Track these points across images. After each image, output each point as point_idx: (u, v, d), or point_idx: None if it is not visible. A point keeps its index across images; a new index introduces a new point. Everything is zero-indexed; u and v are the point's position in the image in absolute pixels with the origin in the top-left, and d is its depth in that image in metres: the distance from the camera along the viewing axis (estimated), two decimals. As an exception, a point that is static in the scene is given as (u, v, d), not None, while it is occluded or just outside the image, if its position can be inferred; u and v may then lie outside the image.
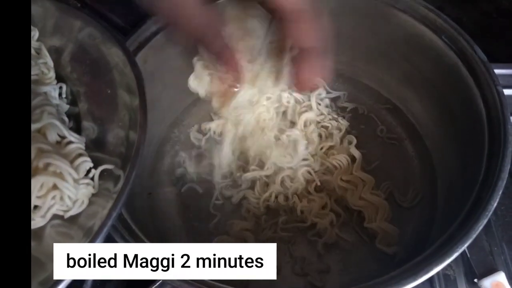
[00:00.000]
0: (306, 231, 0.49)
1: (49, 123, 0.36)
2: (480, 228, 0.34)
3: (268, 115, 0.51)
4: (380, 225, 0.47)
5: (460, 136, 0.48)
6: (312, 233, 0.49)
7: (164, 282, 0.35)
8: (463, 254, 0.49)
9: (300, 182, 0.50)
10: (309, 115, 0.55)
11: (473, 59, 0.46)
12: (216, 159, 0.52)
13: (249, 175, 0.51)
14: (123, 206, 0.33)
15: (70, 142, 0.36)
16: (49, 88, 0.40)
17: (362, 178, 0.50)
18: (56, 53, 0.42)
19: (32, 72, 0.40)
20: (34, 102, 0.37)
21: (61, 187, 0.33)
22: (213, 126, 0.56)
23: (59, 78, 0.43)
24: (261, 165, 0.52)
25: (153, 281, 0.35)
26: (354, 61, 0.60)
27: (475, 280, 0.46)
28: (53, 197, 0.33)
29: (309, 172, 0.51)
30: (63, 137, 0.37)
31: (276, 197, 0.50)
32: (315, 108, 0.56)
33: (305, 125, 0.54)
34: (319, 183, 0.51)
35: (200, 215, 0.52)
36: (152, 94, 0.52)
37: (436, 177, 0.52)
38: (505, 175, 0.37)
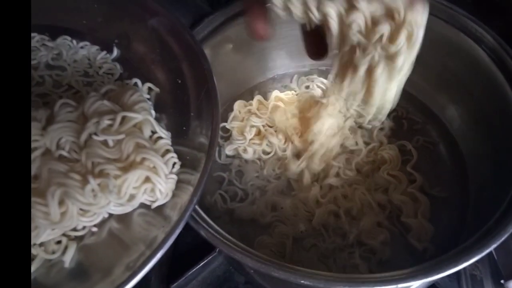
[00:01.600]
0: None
1: (146, 119, 0.38)
2: None
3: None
4: (418, 220, 0.49)
5: (496, 142, 0.50)
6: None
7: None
8: (490, 256, 0.51)
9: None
10: (350, 122, 0.57)
11: (511, 67, 0.48)
12: None
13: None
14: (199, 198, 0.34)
15: (160, 138, 0.38)
16: (135, 79, 0.43)
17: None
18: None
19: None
20: (133, 97, 0.39)
21: (154, 181, 0.35)
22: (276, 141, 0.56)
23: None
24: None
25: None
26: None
27: (501, 281, 0.48)
28: (145, 190, 0.36)
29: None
30: (153, 132, 0.39)
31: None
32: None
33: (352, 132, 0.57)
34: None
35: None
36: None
37: (468, 179, 0.54)
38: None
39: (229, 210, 0.53)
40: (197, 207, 0.39)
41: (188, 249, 0.54)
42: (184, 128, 0.39)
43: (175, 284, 0.50)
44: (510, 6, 0.58)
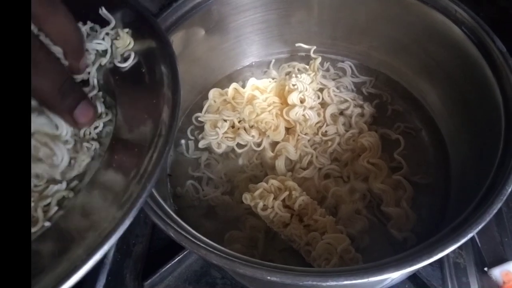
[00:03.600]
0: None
1: None
2: (495, 211, 0.35)
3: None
4: (399, 209, 0.48)
5: (476, 125, 0.48)
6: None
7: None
8: (474, 243, 0.50)
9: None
10: (332, 109, 0.56)
11: (492, 50, 0.46)
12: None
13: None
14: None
15: None
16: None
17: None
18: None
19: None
20: None
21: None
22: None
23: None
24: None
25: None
26: (372, 50, 0.61)
27: (485, 269, 0.47)
28: None
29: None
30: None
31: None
32: (334, 100, 0.57)
33: (333, 120, 0.55)
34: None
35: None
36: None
37: (450, 164, 0.53)
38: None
39: (201, 201, 0.51)
40: (159, 199, 0.37)
41: (163, 245, 0.53)
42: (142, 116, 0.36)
43: (148, 281, 0.48)
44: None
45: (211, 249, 0.33)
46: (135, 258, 0.51)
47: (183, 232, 0.34)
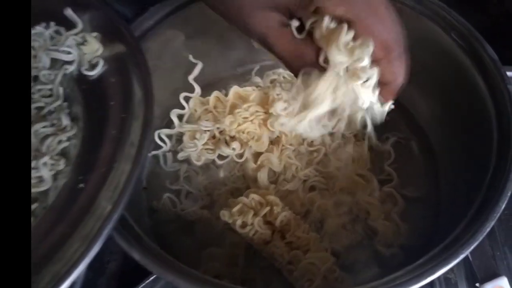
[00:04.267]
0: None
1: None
2: (488, 229, 0.33)
3: None
4: (387, 223, 0.46)
5: (467, 136, 0.46)
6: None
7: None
8: (465, 258, 0.48)
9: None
10: None
11: (483, 57, 0.44)
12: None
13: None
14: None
15: None
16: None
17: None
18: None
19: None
20: None
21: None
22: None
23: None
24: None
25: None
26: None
27: (477, 284, 0.45)
28: None
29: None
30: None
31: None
32: None
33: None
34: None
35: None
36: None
37: (439, 177, 0.51)
38: (512, 176, 0.36)
39: (179, 216, 0.48)
40: (127, 216, 0.35)
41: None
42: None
43: (123, 302, 0.45)
44: None
45: (180, 273, 0.30)
46: (109, 276, 0.48)
47: (149, 255, 0.32)
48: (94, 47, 0.37)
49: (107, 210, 0.28)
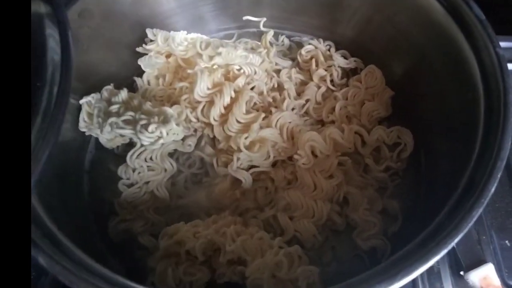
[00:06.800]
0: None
1: None
2: (474, 219, 0.28)
3: None
4: (366, 214, 0.42)
5: (450, 107, 0.41)
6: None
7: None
8: (448, 244, 0.44)
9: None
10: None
11: (467, 16, 0.38)
12: None
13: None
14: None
15: None
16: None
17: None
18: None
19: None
20: None
21: None
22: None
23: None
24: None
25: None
26: (334, 25, 0.54)
27: (461, 272, 0.42)
28: None
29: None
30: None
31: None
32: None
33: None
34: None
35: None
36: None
37: (420, 157, 0.46)
38: (505, 153, 0.31)
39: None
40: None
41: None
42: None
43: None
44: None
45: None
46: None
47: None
48: None
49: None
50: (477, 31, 0.37)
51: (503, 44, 0.45)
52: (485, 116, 0.34)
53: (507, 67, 0.35)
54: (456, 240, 0.28)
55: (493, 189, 0.29)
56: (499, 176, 0.29)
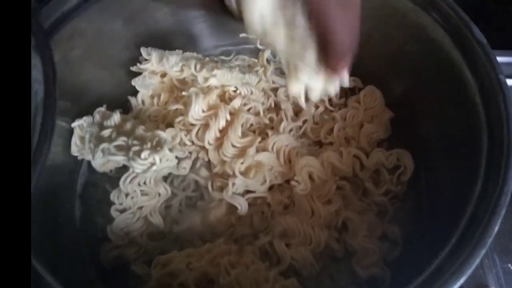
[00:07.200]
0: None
1: None
2: (477, 260, 0.27)
3: None
4: (366, 240, 0.40)
5: (451, 132, 0.40)
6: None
7: None
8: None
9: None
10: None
11: (469, 41, 0.37)
12: None
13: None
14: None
15: None
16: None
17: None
18: None
19: None
20: None
21: None
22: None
23: None
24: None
25: None
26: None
27: None
28: None
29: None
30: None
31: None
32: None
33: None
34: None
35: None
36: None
37: (420, 179, 0.45)
38: (509, 188, 0.29)
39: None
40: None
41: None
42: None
43: None
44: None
45: None
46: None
47: None
48: None
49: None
50: (478, 56, 0.36)
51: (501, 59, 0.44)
52: (488, 148, 0.33)
53: (510, 93, 0.34)
54: (460, 282, 0.27)
55: (496, 228, 0.28)
56: (503, 213, 0.28)
